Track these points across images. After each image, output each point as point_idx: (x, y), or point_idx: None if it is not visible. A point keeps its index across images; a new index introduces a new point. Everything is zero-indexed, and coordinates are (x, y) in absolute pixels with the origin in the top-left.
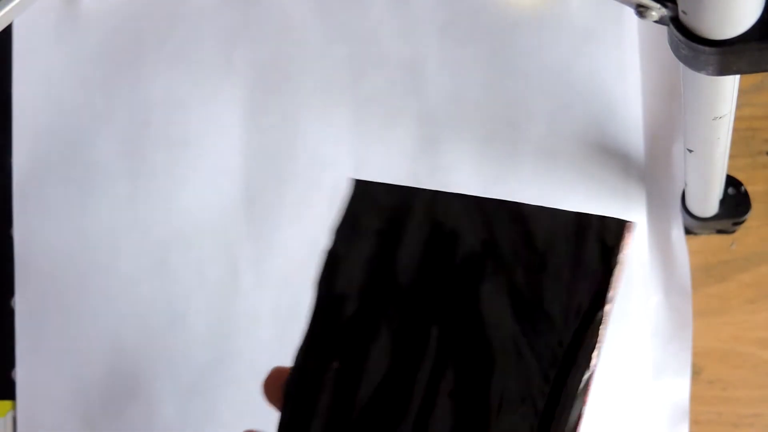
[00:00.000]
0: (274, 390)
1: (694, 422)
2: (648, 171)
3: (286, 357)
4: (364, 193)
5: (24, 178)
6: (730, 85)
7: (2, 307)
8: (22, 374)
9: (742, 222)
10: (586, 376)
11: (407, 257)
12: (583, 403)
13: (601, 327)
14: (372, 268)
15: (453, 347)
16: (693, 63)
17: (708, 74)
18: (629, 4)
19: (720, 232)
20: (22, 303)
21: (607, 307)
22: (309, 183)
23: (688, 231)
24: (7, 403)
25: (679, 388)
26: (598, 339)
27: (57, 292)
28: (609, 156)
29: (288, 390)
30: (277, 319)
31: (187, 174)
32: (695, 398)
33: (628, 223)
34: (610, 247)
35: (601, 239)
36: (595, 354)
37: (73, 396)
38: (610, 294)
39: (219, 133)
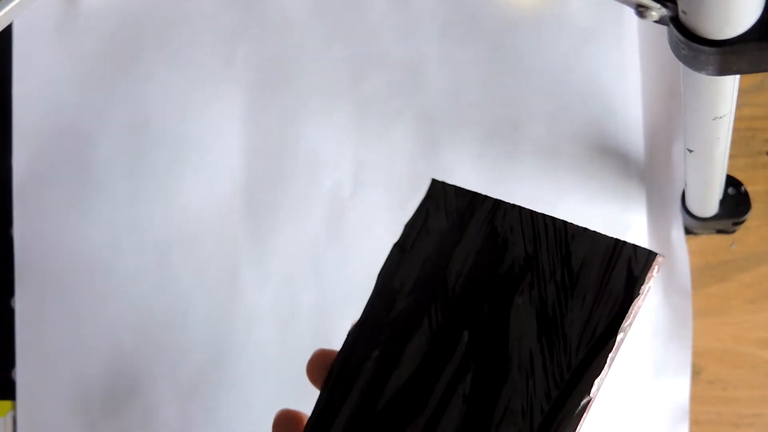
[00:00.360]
0: (316, 370)
1: (694, 422)
2: (648, 171)
3: (286, 356)
4: (438, 193)
5: (24, 178)
6: (730, 85)
7: (2, 307)
8: (22, 374)
9: (742, 222)
10: (584, 401)
11: (460, 261)
12: (576, 426)
13: (609, 354)
14: (428, 266)
15: (477, 354)
16: (693, 63)
17: (708, 74)
18: (629, 4)
19: (720, 232)
20: (22, 303)
21: (619, 336)
22: (309, 183)
23: (688, 231)
24: (7, 403)
25: (679, 388)
26: (604, 367)
27: (57, 292)
28: (609, 156)
29: (332, 372)
30: (276, 318)
31: (187, 174)
32: (695, 398)
33: (657, 256)
34: (635, 277)
35: (629, 268)
36: (597, 380)
37: (73, 396)
38: (625, 323)
39: (219, 133)
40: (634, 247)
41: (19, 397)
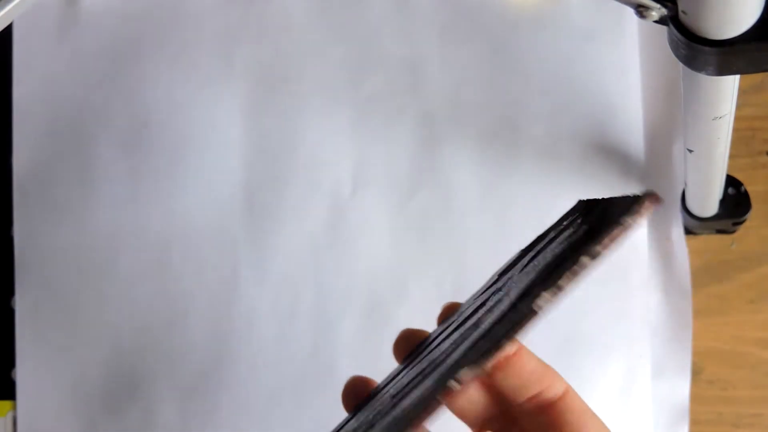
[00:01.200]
0: (401, 348)
1: (694, 422)
2: (648, 171)
3: (286, 356)
4: (578, 210)
5: (24, 178)
6: (730, 85)
7: (2, 307)
8: (22, 374)
9: (742, 222)
10: (547, 295)
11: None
12: (522, 325)
13: (566, 273)
14: (533, 264)
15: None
16: (693, 63)
17: (708, 74)
18: (629, 4)
19: (720, 232)
20: (22, 303)
21: (582, 258)
22: (309, 183)
23: (688, 231)
24: (7, 403)
25: (679, 388)
26: (557, 282)
27: (57, 292)
28: (609, 156)
29: (414, 349)
30: (277, 318)
31: (187, 174)
32: (695, 398)
33: (653, 195)
34: (624, 210)
35: (629, 206)
36: (545, 293)
37: (73, 396)
38: (595, 248)
39: (219, 133)
40: (647, 192)
41: (19, 397)
